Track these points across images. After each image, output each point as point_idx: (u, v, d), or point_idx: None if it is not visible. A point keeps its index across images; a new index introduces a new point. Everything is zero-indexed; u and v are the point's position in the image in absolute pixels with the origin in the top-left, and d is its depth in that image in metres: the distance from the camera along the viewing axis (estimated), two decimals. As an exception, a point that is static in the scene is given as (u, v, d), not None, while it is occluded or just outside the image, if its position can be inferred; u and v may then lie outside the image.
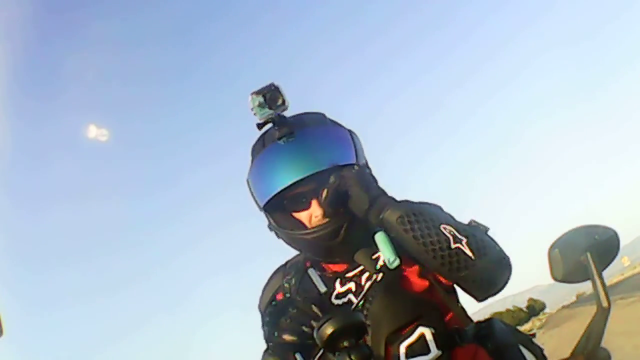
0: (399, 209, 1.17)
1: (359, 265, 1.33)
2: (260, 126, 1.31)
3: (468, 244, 1.14)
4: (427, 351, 1.21)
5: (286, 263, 1.50)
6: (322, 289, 1.32)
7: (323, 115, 1.39)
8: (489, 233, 1.22)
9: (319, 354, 1.21)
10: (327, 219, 1.28)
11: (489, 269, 1.16)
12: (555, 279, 1.37)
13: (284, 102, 1.25)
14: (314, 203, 1.29)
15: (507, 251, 1.22)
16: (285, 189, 1.26)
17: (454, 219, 1.24)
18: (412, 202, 1.23)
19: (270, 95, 1.24)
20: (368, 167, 1.36)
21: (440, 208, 1.31)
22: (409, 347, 1.21)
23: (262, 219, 1.40)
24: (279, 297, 1.43)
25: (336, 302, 1.31)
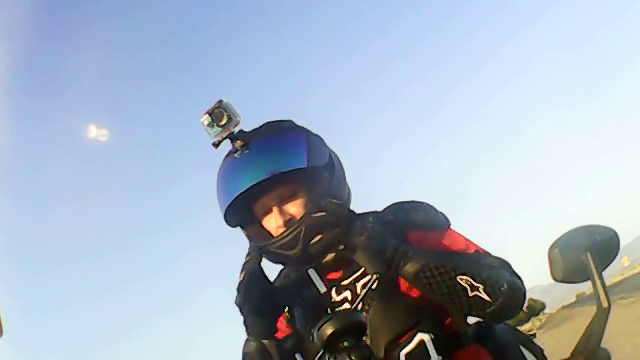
0: (417, 263, 1.17)
1: (354, 272, 1.31)
2: (215, 145, 1.31)
3: (485, 290, 1.16)
4: (427, 357, 1.20)
5: (279, 273, 1.48)
6: (322, 289, 1.32)
7: (289, 122, 1.37)
8: (501, 262, 1.26)
9: (319, 354, 1.21)
10: (284, 228, 1.26)
11: (506, 305, 1.19)
12: (555, 279, 1.37)
13: (230, 118, 1.26)
14: (276, 212, 1.28)
15: (514, 261, 1.27)
16: (245, 199, 1.26)
17: (469, 260, 1.25)
18: (428, 253, 1.22)
19: (215, 113, 1.26)
20: (334, 165, 1.33)
21: (451, 253, 1.29)
22: (408, 355, 1.20)
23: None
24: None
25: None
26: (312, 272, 1.35)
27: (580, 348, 1.30)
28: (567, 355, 1.33)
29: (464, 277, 1.17)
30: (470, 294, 1.16)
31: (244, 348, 1.30)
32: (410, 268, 1.17)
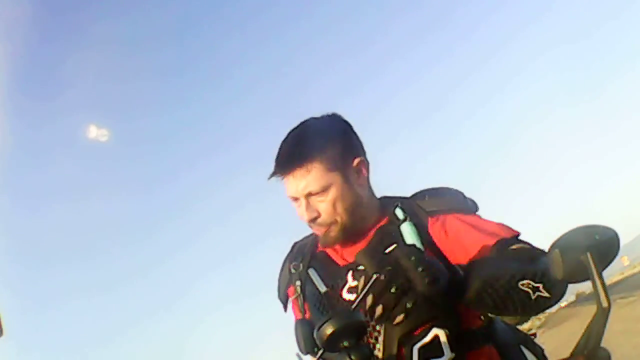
0: (475, 285, 1.06)
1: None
2: None
3: (545, 287, 1.09)
4: (440, 353, 1.17)
5: (293, 246, 1.47)
6: (323, 289, 1.31)
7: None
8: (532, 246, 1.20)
9: (319, 354, 1.21)
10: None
11: (560, 294, 1.13)
12: (555, 278, 1.37)
13: None
14: (304, 205, 1.30)
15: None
16: None
17: (520, 258, 1.14)
18: (479, 268, 1.11)
19: None
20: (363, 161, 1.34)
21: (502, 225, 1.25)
22: (422, 349, 1.18)
23: (258, 213, 1.41)
24: (290, 291, 1.42)
25: (348, 296, 1.27)
26: (312, 272, 1.34)
27: (580, 348, 1.30)
28: (567, 355, 1.33)
29: (524, 281, 1.08)
30: (533, 296, 1.07)
31: None
32: (470, 294, 1.06)
